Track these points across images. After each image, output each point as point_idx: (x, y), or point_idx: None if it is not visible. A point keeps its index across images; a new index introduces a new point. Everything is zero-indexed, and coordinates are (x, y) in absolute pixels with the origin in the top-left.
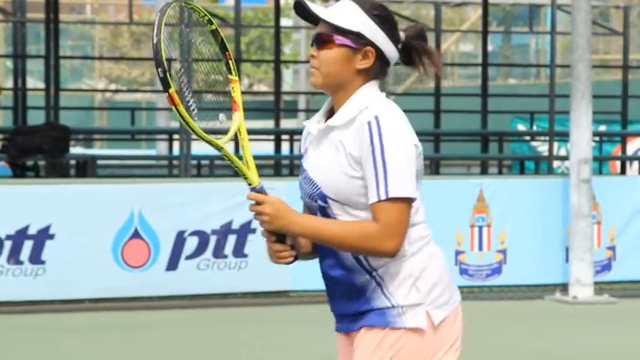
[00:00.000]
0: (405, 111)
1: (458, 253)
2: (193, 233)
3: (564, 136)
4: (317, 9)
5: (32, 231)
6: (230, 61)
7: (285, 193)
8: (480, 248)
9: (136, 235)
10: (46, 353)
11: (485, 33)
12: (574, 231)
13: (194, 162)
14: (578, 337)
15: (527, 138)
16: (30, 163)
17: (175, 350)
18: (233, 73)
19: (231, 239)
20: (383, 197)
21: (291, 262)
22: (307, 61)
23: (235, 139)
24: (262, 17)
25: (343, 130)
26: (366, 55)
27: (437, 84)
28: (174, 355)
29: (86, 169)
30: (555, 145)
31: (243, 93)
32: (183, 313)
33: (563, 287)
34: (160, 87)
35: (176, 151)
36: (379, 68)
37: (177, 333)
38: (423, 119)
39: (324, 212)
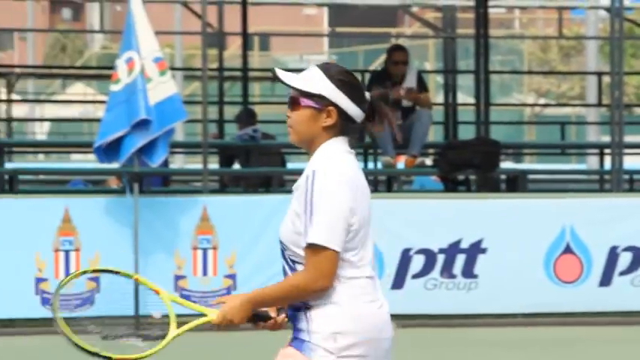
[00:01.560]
0: None
1: None
2: (626, 249)
3: None
4: (286, 76)
5: (464, 245)
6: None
7: None
8: None
9: (568, 250)
10: None
11: None
12: None
13: (626, 176)
14: None
15: None
16: (461, 177)
17: None
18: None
19: None
20: (307, 242)
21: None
22: None
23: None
24: None
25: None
26: (329, 114)
27: None
28: None
29: (517, 183)
30: None
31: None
32: (617, 329)
33: None
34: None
35: (607, 165)
36: (344, 125)
37: (609, 350)
38: None
39: (283, 254)
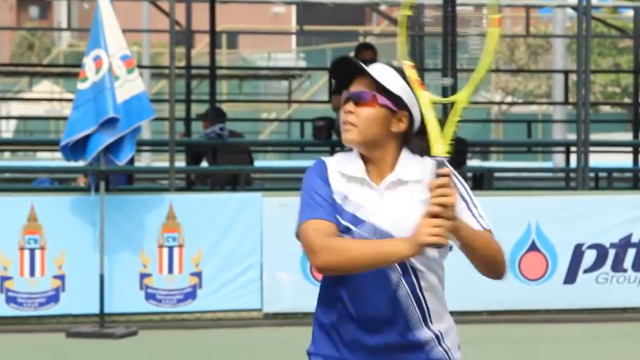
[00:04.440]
0: None
1: None
2: (591, 246)
3: None
4: (364, 66)
5: None
6: None
7: None
8: None
9: (534, 247)
10: None
11: None
12: None
13: (592, 174)
14: None
15: None
16: None
17: None
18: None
19: (631, 253)
20: (487, 227)
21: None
22: None
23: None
24: None
25: (417, 185)
26: (400, 119)
27: None
28: None
29: (483, 181)
30: None
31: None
32: (581, 327)
33: None
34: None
35: (573, 163)
36: (409, 135)
37: (574, 347)
38: None
39: (403, 263)
